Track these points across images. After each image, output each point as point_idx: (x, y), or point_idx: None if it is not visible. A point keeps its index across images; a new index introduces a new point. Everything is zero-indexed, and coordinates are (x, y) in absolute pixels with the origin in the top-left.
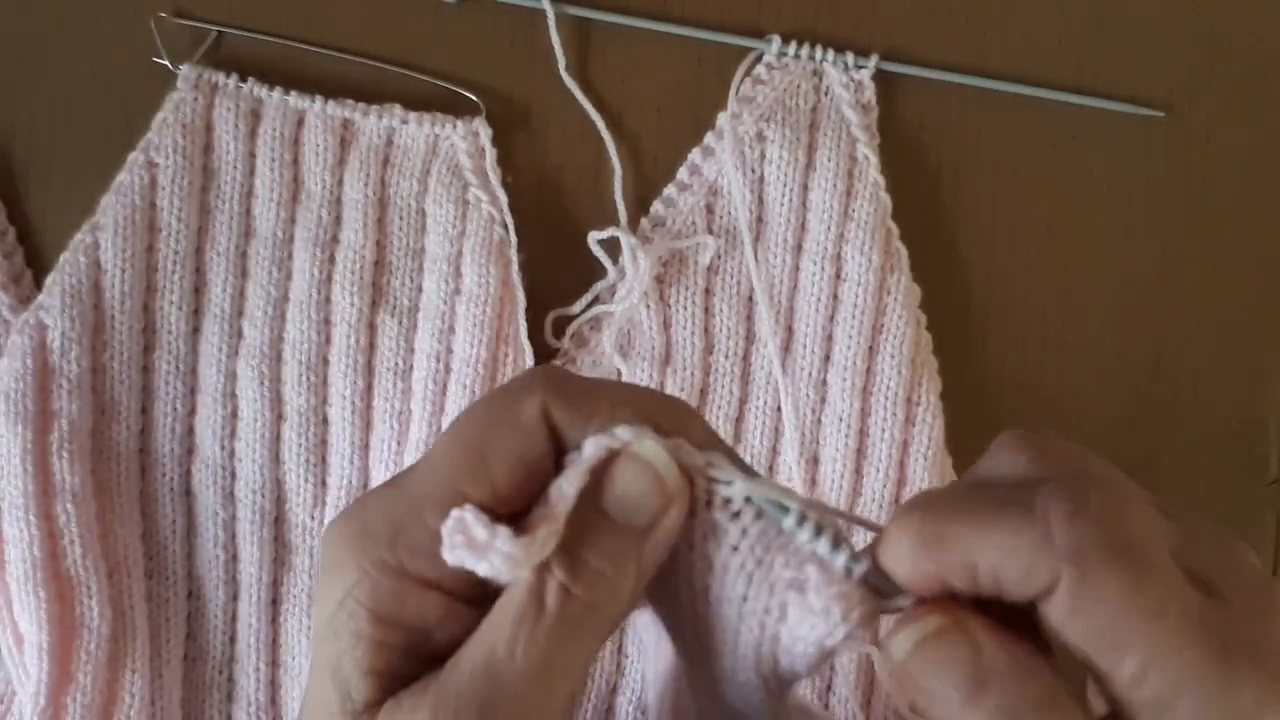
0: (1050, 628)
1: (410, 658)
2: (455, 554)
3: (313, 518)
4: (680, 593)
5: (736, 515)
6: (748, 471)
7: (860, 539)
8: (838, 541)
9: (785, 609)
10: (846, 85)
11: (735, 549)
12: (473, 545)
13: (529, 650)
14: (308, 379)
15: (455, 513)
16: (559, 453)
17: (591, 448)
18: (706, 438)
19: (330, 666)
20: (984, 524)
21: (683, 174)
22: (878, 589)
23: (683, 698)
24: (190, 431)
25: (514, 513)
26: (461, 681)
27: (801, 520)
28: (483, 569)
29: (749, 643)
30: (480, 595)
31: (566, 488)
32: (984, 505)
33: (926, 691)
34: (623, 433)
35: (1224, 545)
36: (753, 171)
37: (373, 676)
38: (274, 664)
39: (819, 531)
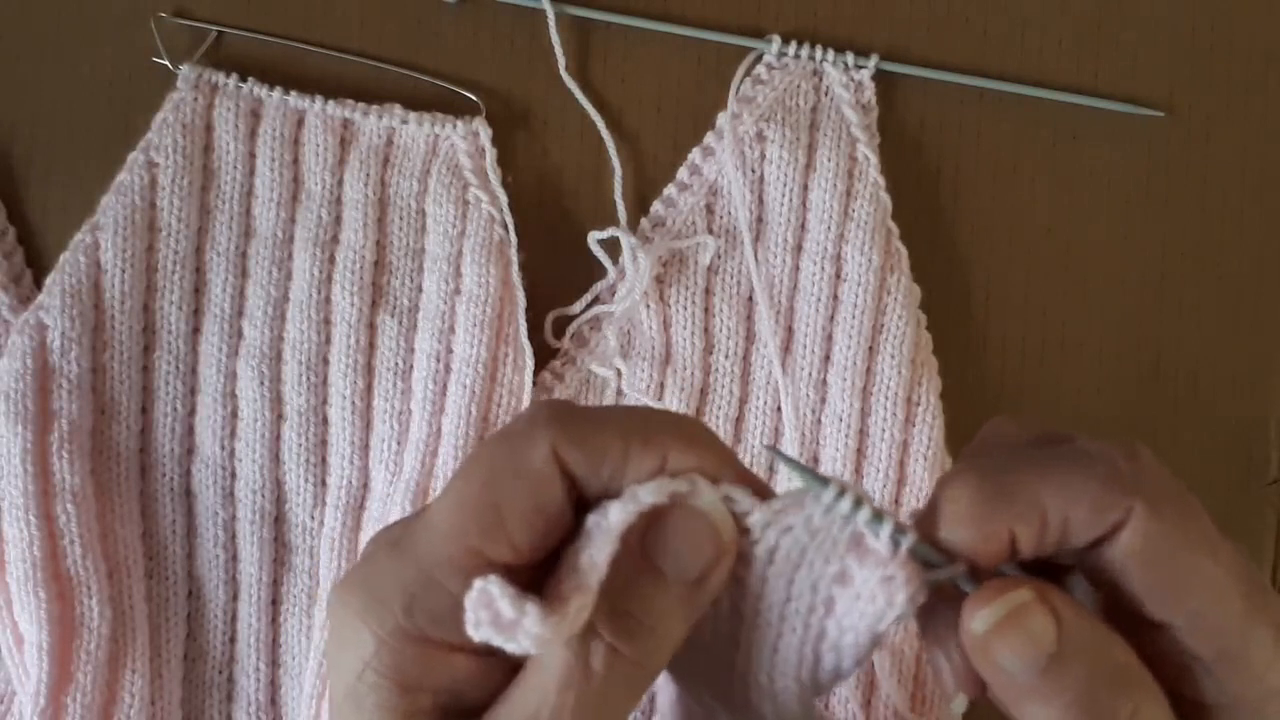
0: (1113, 571)
1: (444, 717)
2: (481, 632)
3: (313, 518)
4: (703, 622)
5: (766, 526)
6: (789, 463)
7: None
8: (879, 515)
9: (831, 603)
10: (846, 85)
11: (770, 561)
12: (499, 623)
13: (576, 715)
14: (308, 379)
15: (479, 584)
16: (574, 494)
17: (619, 512)
18: (722, 457)
19: None
20: (1049, 470)
21: (683, 174)
22: (926, 561)
23: None
24: (190, 431)
25: (535, 564)
26: None
27: (840, 494)
28: (511, 647)
29: (791, 646)
30: None
31: (598, 555)
32: (1038, 456)
33: (1008, 661)
34: (668, 485)
35: None
36: (753, 171)
37: None
38: (274, 664)
39: (858, 504)
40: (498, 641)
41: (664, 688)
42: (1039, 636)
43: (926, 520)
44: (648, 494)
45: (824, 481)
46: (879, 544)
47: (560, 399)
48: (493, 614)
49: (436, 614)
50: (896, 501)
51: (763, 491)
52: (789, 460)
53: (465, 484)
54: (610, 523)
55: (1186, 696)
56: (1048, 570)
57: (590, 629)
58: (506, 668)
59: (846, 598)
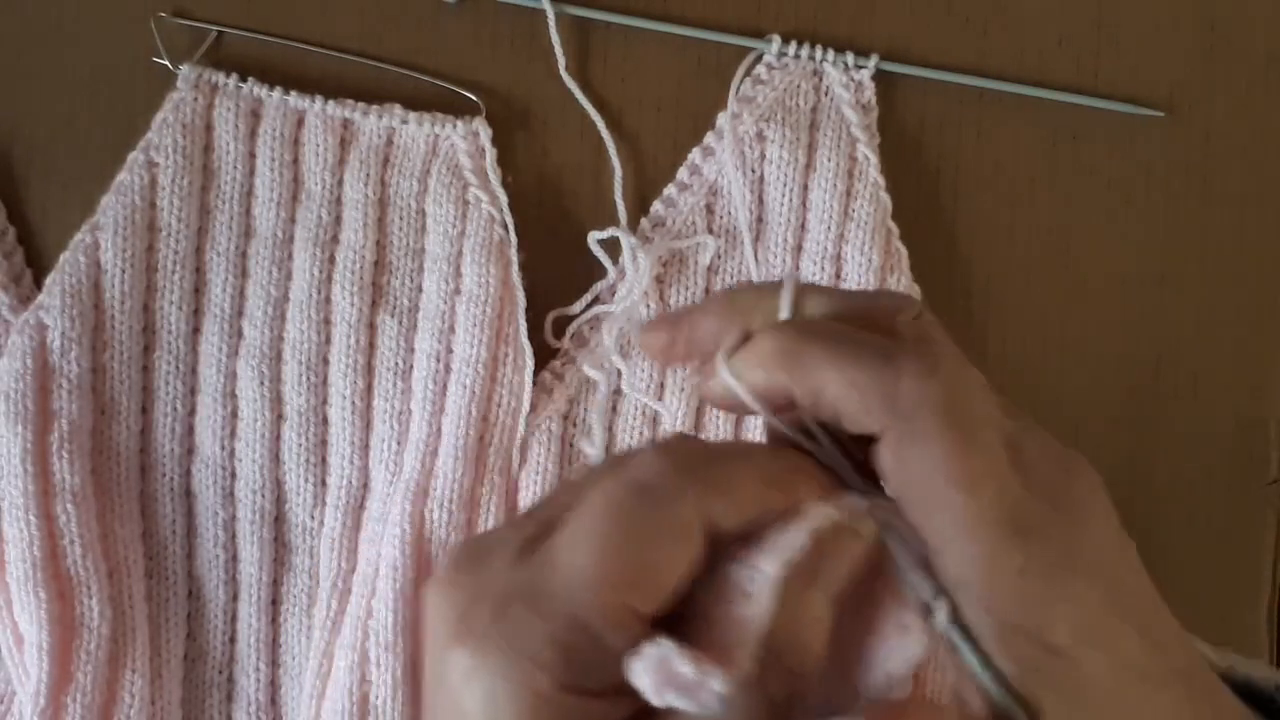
0: (878, 469)
1: None
2: (666, 697)
3: (313, 518)
4: None
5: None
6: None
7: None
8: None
9: (886, 637)
10: (846, 85)
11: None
12: (680, 685)
13: None
14: (308, 379)
15: (653, 651)
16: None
17: (778, 567)
18: (828, 485)
19: None
20: (840, 357)
21: (683, 174)
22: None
23: None
24: (190, 431)
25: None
26: None
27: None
28: (684, 705)
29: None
30: None
31: (759, 609)
32: (846, 341)
33: None
34: (808, 527)
35: (1061, 462)
36: (753, 171)
37: None
38: (274, 664)
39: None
40: (680, 704)
41: None
42: None
43: (739, 348)
44: (799, 539)
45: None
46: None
47: (680, 440)
48: (673, 677)
49: (590, 664)
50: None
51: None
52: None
53: (609, 536)
54: (768, 575)
55: None
56: None
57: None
58: (643, 703)
59: (893, 636)
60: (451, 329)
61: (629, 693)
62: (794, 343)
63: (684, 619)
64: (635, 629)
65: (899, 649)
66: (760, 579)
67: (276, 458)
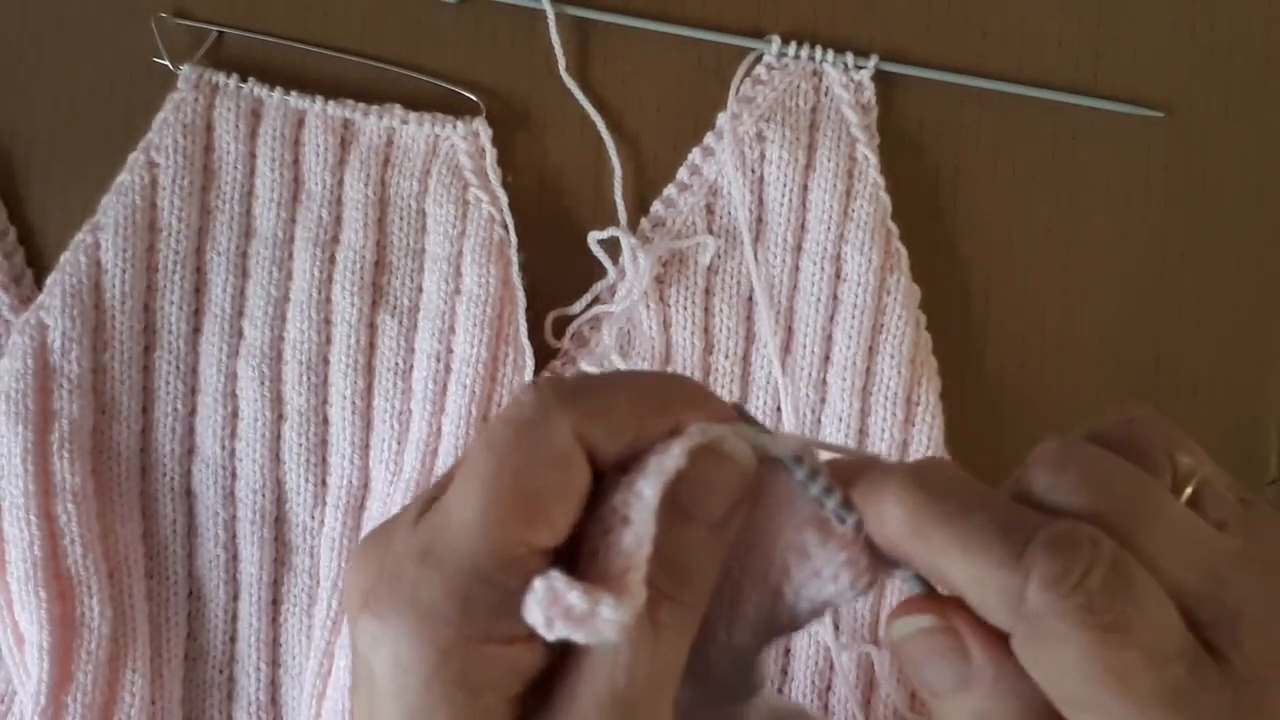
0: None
1: (513, 705)
2: (557, 629)
3: (313, 518)
4: None
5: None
6: (757, 427)
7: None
8: (848, 503)
9: (787, 569)
10: (846, 85)
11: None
12: (573, 617)
13: (651, 669)
14: (308, 379)
15: (542, 583)
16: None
17: (651, 488)
18: (724, 413)
19: None
20: (967, 544)
21: (683, 174)
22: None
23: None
24: (191, 431)
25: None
26: (590, 716)
27: (813, 476)
28: (579, 637)
29: (749, 602)
30: None
31: (643, 532)
32: (979, 524)
33: (919, 673)
34: (686, 444)
35: None
36: (753, 171)
37: None
38: (274, 664)
39: (829, 491)
40: (575, 636)
41: None
42: (945, 661)
43: (860, 489)
44: (672, 461)
45: (799, 464)
46: (843, 528)
47: (554, 376)
48: (564, 609)
49: (492, 611)
50: None
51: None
52: (752, 421)
53: (493, 477)
54: (645, 498)
55: None
56: None
57: (651, 584)
58: (558, 645)
59: (804, 571)
60: (451, 329)
61: (539, 639)
62: (919, 515)
63: (580, 555)
64: (531, 566)
65: (831, 585)
66: (638, 503)
67: (277, 457)
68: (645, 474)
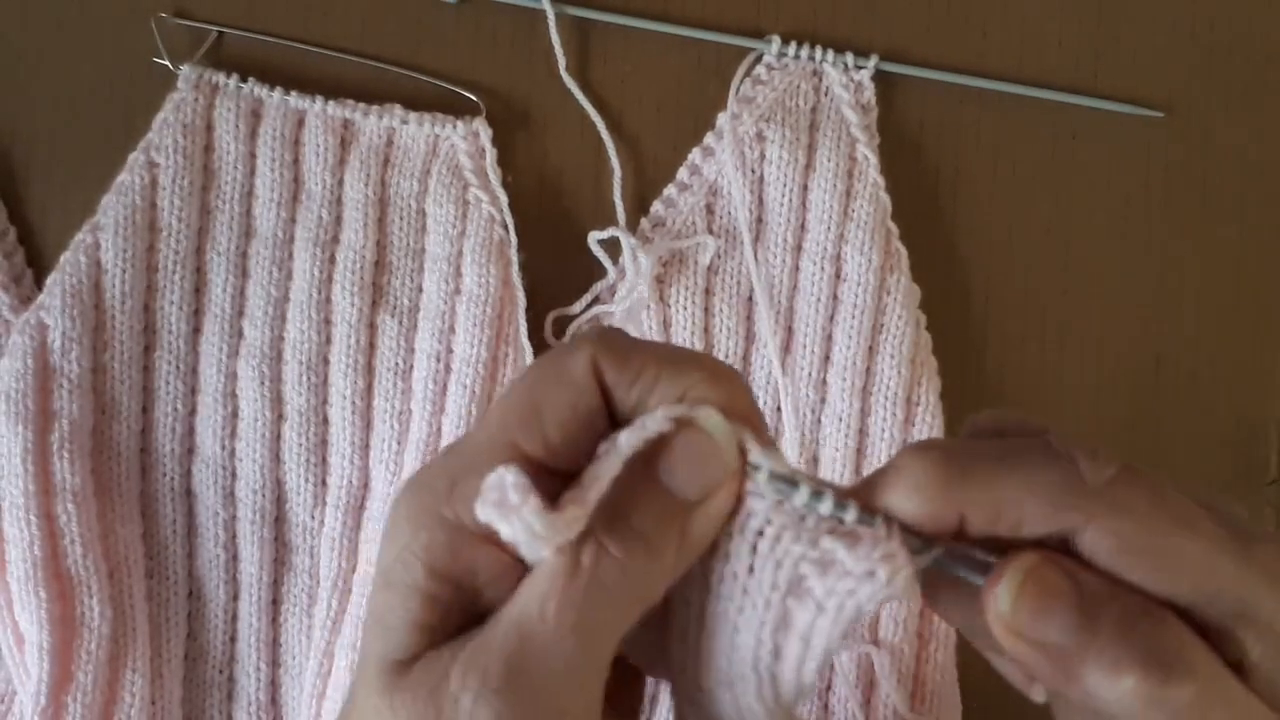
0: (1101, 568)
1: (460, 614)
2: (485, 511)
3: (313, 518)
4: (690, 593)
5: (760, 498)
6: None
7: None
8: (863, 512)
9: (799, 582)
10: (846, 85)
11: (760, 533)
12: (502, 506)
13: (561, 609)
14: (308, 379)
15: (499, 470)
16: (608, 410)
17: (628, 435)
18: (748, 406)
19: (380, 618)
20: (1010, 461)
21: (683, 174)
22: (910, 547)
23: None
24: (191, 431)
25: (568, 471)
26: (494, 637)
27: (817, 494)
28: (505, 531)
29: (750, 627)
30: None
31: (602, 472)
32: (1001, 448)
33: (1042, 644)
34: (676, 410)
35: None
36: (753, 171)
37: (419, 630)
38: (274, 664)
39: (841, 505)
40: (495, 522)
41: None
42: (1064, 594)
43: (875, 485)
44: (655, 421)
45: (793, 483)
46: (871, 529)
47: (612, 326)
48: (500, 496)
49: (472, 499)
50: None
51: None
52: (773, 461)
53: (513, 389)
54: (619, 444)
55: (1229, 660)
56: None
57: (587, 534)
58: (524, 574)
59: (827, 579)
60: (451, 329)
61: (509, 555)
62: (954, 466)
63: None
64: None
65: (867, 583)
66: (609, 447)
67: (277, 457)
68: (630, 427)
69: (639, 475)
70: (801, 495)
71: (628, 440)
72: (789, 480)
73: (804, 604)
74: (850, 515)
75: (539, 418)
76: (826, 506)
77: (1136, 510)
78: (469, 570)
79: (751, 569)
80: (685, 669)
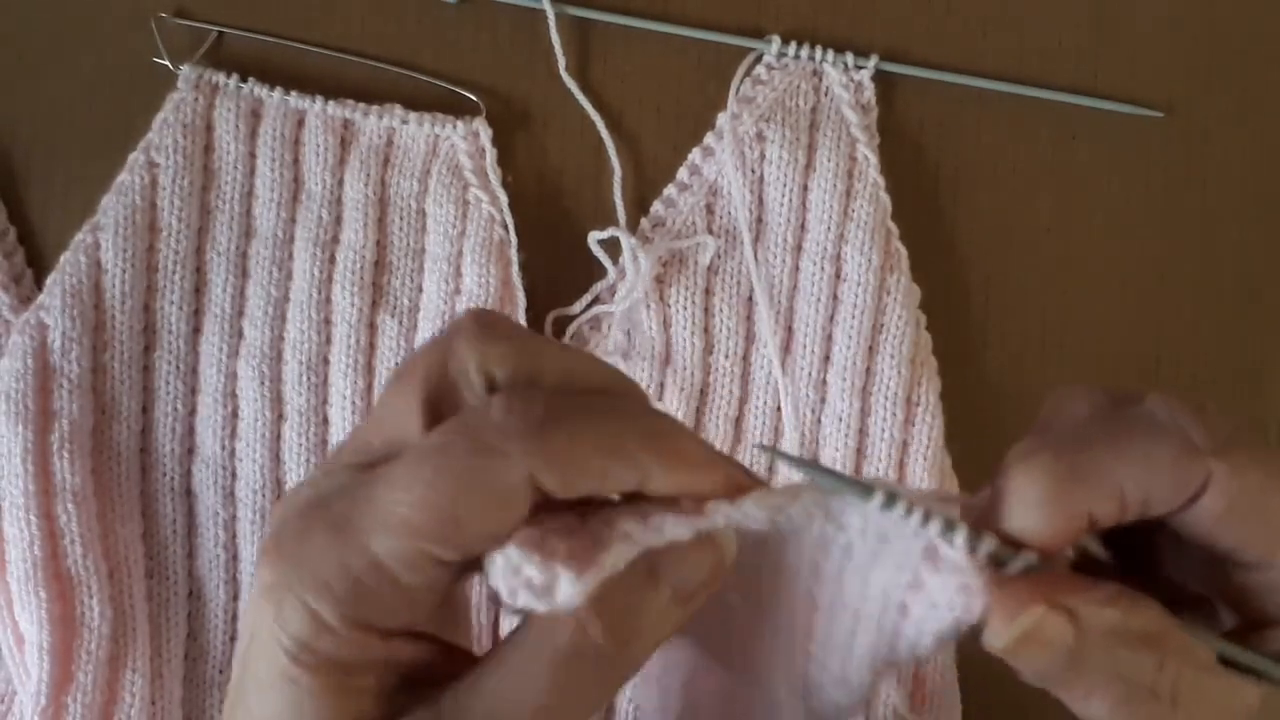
0: (1197, 534)
1: (385, 695)
2: (521, 598)
3: None
4: (780, 608)
5: (842, 527)
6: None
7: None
8: (951, 524)
9: (906, 608)
10: (846, 85)
11: (849, 557)
12: (534, 588)
13: (561, 690)
14: (308, 379)
15: (502, 558)
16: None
17: (643, 534)
18: (706, 473)
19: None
20: (1119, 444)
21: (683, 174)
22: (998, 560)
23: None
24: (191, 431)
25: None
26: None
27: (891, 501)
28: (544, 609)
29: (865, 645)
30: (446, 609)
31: (618, 560)
32: (1104, 430)
33: (1030, 669)
34: (696, 524)
35: None
36: (752, 172)
37: None
38: None
39: (927, 517)
40: (535, 606)
41: (669, 664)
42: (1056, 642)
43: (996, 507)
44: (676, 531)
45: (869, 490)
46: (953, 552)
47: (500, 325)
48: (525, 581)
49: (381, 603)
50: None
51: (746, 486)
52: (829, 475)
53: (430, 488)
54: (634, 539)
55: None
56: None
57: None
58: (442, 649)
59: (921, 604)
60: None
61: (424, 638)
62: (1060, 463)
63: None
64: (432, 574)
65: (948, 612)
66: (622, 545)
67: (277, 457)
68: (645, 525)
69: (637, 564)
70: (874, 502)
71: (643, 538)
72: (898, 502)
73: (911, 623)
74: (935, 528)
75: (462, 536)
76: (915, 520)
77: (1249, 470)
78: (383, 660)
79: (865, 599)
80: (774, 666)
